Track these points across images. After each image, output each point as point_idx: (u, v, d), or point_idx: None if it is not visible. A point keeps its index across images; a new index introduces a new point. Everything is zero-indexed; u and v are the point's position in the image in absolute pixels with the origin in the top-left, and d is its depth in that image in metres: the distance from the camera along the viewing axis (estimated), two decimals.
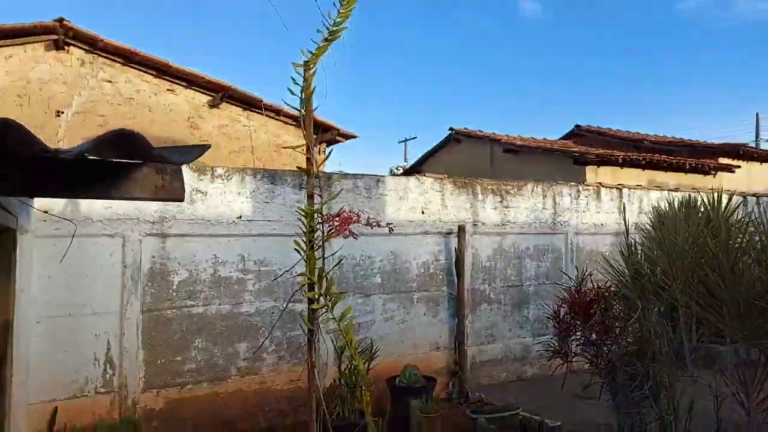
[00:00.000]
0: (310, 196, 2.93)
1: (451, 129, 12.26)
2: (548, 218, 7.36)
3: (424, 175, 6.55)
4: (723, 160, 11.67)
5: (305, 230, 2.88)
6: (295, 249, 2.94)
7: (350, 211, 2.94)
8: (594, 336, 4.68)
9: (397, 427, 5.24)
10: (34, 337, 4.68)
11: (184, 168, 5.45)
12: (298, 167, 3.09)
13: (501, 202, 7.02)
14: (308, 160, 2.93)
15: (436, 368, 6.38)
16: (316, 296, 2.93)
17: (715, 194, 5.62)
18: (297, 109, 2.88)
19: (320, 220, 2.90)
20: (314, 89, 2.89)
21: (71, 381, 4.83)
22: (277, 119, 9.08)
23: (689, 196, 4.39)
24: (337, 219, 2.88)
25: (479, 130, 12.17)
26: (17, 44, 7.59)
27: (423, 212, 6.46)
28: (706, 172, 11.16)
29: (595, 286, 4.79)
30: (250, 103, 8.89)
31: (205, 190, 5.37)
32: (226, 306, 5.48)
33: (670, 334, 3.78)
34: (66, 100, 7.95)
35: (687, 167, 10.64)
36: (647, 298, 3.92)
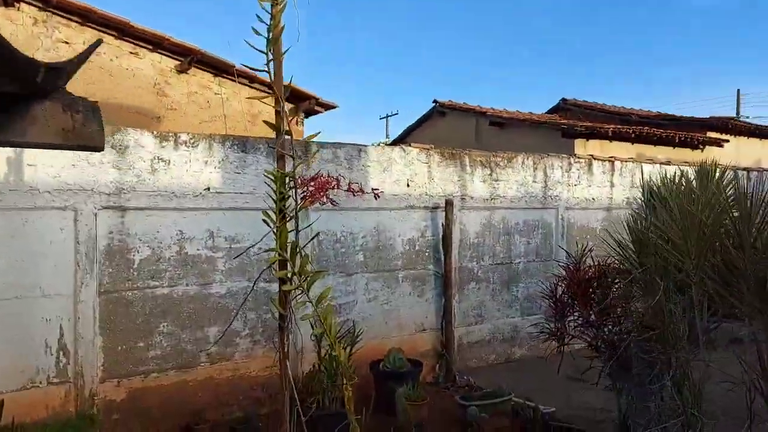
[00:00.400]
0: (281, 158, 2.47)
1: (435, 101, 11.78)
2: (539, 192, 6.99)
3: (410, 145, 6.10)
4: (711, 134, 11.42)
5: (275, 198, 2.43)
6: (263, 220, 2.49)
7: (329, 176, 2.48)
8: (593, 317, 4.35)
9: (381, 414, 4.87)
10: None
11: (144, 134, 4.92)
12: (265, 121, 2.62)
13: (490, 174, 6.61)
14: (277, 113, 2.46)
15: (422, 350, 6.02)
16: (289, 275, 2.49)
17: (709, 167, 5.30)
18: (263, 52, 2.39)
19: (293, 186, 2.44)
20: (283, 27, 2.40)
21: (20, 371, 4.33)
22: (251, 87, 8.47)
23: (705, 166, 4.01)
24: (312, 184, 2.42)
25: (464, 103, 11.71)
26: None
27: (408, 185, 6.01)
28: (694, 146, 10.90)
29: (595, 263, 4.44)
30: (221, 69, 8.27)
31: (168, 158, 4.84)
32: (194, 287, 5.00)
33: (680, 314, 3.43)
34: None
35: (677, 141, 10.36)
36: (656, 275, 3.56)
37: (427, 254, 6.14)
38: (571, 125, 9.58)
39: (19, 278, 4.32)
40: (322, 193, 2.41)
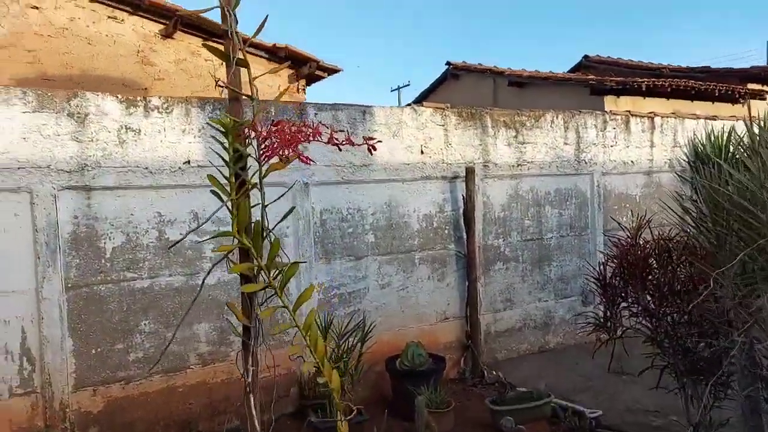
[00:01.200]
0: (234, 100, 1.71)
1: (448, 63, 10.86)
2: (571, 156, 6.15)
3: (422, 105, 5.28)
4: (752, 86, 10.38)
5: (227, 159, 1.68)
6: (212, 191, 1.75)
7: (301, 123, 1.72)
8: (652, 304, 3.58)
9: (399, 419, 4.19)
10: None
11: (107, 98, 4.14)
12: (205, 45, 1.86)
13: (515, 137, 5.78)
14: (225, 35, 1.70)
15: (445, 342, 5.30)
16: (254, 270, 1.75)
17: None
18: None
19: (253, 136, 1.69)
20: None
21: None
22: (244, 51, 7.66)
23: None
24: (275, 133, 1.66)
25: (479, 64, 10.76)
26: None
27: (422, 152, 5.22)
28: (734, 100, 9.89)
29: (654, 236, 3.64)
30: (210, 32, 7.44)
31: (138, 127, 4.09)
32: (180, 277, 4.31)
33: None
34: None
35: (716, 94, 9.36)
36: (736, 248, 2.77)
37: (446, 232, 5.36)
38: (601, 80, 8.65)
39: None
40: (291, 146, 1.64)
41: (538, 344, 5.89)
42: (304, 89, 8.12)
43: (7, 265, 3.76)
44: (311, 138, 1.69)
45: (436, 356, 4.78)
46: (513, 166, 5.76)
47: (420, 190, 5.21)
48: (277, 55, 7.81)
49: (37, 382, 3.87)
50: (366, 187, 4.89)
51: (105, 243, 4.06)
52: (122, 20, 7.09)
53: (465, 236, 5.32)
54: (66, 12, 6.83)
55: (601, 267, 3.77)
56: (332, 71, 8.13)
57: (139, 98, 4.13)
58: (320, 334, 1.89)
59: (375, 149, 1.82)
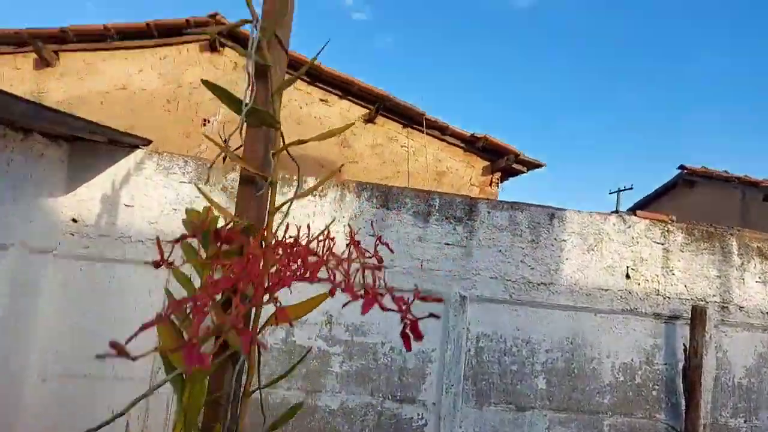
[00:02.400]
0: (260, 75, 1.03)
1: (681, 167, 9.09)
2: None
3: (635, 214, 4.03)
4: None
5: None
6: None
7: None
8: None
9: None
10: (39, 398, 3.42)
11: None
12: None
13: None
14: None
15: None
16: None
17: None
18: None
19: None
20: None
21: None
22: (441, 139, 7.25)
23: None
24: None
25: (724, 171, 8.79)
26: (172, 44, 7.07)
27: (628, 276, 3.93)
28: None
29: None
30: (410, 118, 7.21)
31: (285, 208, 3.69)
32: (294, 391, 3.67)
33: None
34: (213, 108, 7.17)
35: None
36: None
37: (654, 394, 3.86)
38: None
39: (91, 350, 3.48)
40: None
41: None
42: (497, 183, 7.32)
43: (133, 346, 3.54)
44: (310, 276, 0.87)
45: None
46: None
47: (619, 327, 3.88)
48: (474, 145, 7.25)
49: None
50: (542, 313, 3.76)
51: None
52: (332, 104, 7.26)
53: (684, 404, 3.76)
54: (285, 93, 7.22)
55: None
56: (533, 165, 7.21)
57: (295, 177, 3.77)
58: None
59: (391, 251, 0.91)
